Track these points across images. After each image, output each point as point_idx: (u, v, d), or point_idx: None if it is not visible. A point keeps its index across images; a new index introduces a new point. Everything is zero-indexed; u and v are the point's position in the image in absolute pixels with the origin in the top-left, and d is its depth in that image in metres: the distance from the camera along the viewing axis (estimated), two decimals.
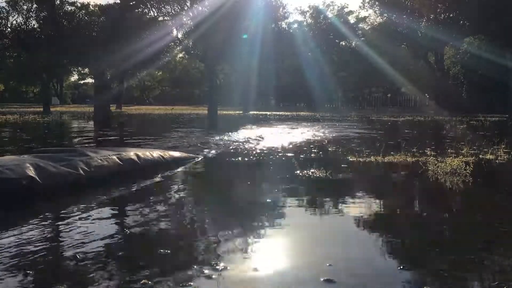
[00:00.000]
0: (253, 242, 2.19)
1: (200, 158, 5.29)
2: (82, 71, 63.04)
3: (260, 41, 28.85)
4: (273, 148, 6.57)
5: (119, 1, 22.53)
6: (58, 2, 28.43)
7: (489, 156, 5.39)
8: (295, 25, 47.73)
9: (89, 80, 74.06)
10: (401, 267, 1.86)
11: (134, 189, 3.53)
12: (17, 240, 2.14)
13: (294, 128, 12.35)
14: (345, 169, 4.66)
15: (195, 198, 3.44)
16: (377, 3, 36.00)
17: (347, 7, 51.11)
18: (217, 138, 8.35)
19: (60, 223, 2.56)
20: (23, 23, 30.72)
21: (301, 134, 9.99)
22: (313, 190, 3.60)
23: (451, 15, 30.80)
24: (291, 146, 6.99)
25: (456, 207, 3.17)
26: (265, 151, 6.17)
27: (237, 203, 3.19)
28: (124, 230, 2.40)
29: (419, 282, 1.72)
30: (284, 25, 42.77)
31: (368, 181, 4.17)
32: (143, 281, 1.66)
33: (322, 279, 1.70)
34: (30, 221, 2.49)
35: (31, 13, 30.81)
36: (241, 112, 31.42)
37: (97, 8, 35.28)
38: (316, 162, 5.02)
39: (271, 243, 2.19)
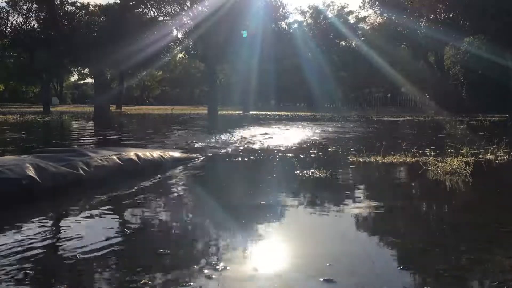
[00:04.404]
0: (253, 242, 2.19)
1: (200, 158, 5.29)
2: (82, 71, 62.99)
3: (260, 41, 28.87)
4: (273, 148, 6.57)
5: (119, 1, 22.55)
6: (58, 2, 28.44)
7: (489, 156, 5.39)
8: (295, 25, 47.70)
9: (89, 80, 73.94)
10: (401, 267, 1.86)
11: (134, 189, 3.53)
12: (17, 240, 2.14)
13: (294, 128, 12.35)
14: (345, 169, 4.66)
15: (195, 198, 3.44)
16: (377, 3, 35.96)
17: (347, 7, 51.17)
18: (217, 138, 8.36)
19: (60, 223, 2.57)
20: (23, 23, 30.78)
21: (301, 134, 9.98)
22: (313, 190, 3.60)
23: (451, 15, 30.77)
24: (290, 146, 6.99)
25: (456, 207, 3.17)
26: (265, 151, 6.17)
27: (237, 203, 3.18)
28: (124, 230, 2.40)
29: (419, 282, 1.72)
30: (284, 25, 42.76)
31: (368, 181, 4.17)
32: (143, 281, 1.66)
33: (322, 279, 1.70)
34: (30, 221, 2.49)
35: (31, 13, 30.88)
36: (241, 112, 31.43)
37: (97, 8, 35.31)
38: (316, 162, 5.02)
39: (271, 242, 2.19)
